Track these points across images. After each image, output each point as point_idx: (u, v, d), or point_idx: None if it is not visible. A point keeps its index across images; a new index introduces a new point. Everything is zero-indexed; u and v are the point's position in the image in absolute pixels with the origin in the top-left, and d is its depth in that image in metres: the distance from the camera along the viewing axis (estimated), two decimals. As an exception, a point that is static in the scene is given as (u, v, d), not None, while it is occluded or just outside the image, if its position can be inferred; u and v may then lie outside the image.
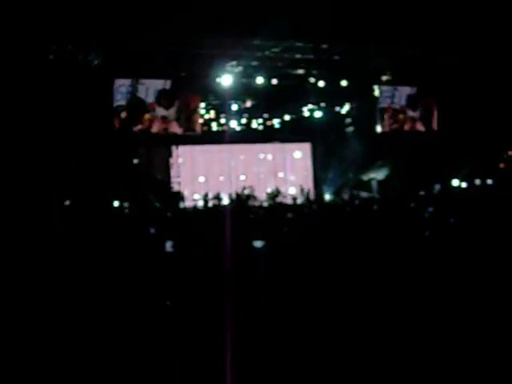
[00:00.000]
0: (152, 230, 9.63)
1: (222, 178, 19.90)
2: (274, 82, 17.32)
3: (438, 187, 16.63)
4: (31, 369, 4.44)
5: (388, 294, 6.05)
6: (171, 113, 16.12)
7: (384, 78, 18.92)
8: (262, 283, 6.15)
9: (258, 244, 7.76)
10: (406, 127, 19.07)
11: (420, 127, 19.35)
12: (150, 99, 15.85)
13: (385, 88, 18.64)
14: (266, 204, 17.17)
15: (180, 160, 19.48)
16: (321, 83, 18.16)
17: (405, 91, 19.03)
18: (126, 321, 5.38)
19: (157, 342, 4.96)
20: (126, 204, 14.93)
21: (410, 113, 19.28)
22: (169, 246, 7.99)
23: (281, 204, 16.85)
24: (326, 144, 20.07)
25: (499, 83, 17.28)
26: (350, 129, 19.87)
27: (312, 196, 17.90)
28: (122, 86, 15.61)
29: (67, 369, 4.47)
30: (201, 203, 17.32)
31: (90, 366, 4.53)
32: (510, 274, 6.20)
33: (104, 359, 4.63)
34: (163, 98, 16.06)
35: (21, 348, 4.73)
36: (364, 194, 17.47)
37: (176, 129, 16.08)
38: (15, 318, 5.31)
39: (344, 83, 18.18)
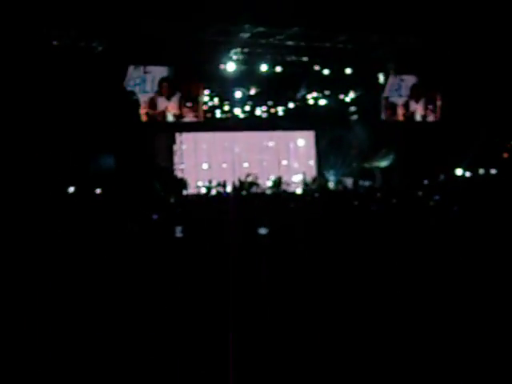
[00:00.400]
0: (155, 216, 9.65)
1: (225, 166, 19.89)
2: (278, 69, 17.28)
3: (442, 176, 16.60)
4: (31, 361, 4.45)
5: (392, 283, 6.06)
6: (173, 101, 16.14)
7: (388, 66, 18.90)
8: (265, 270, 6.16)
9: (263, 231, 7.77)
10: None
11: (423, 117, 19.37)
12: (156, 89, 15.87)
13: (392, 80, 18.63)
14: (269, 191, 17.20)
15: (183, 147, 19.46)
16: (325, 71, 18.11)
17: (410, 81, 19.00)
18: (127, 309, 5.39)
19: (161, 330, 4.97)
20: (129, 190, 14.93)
21: (413, 103, 19.30)
22: (178, 231, 8.00)
23: (284, 192, 16.88)
24: (330, 132, 20.02)
25: (503, 72, 17.22)
26: (354, 117, 19.81)
27: (315, 184, 17.89)
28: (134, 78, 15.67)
29: (70, 353, 4.49)
30: (204, 190, 17.35)
31: (95, 353, 4.55)
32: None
33: (109, 345, 4.65)
34: (164, 87, 16.06)
35: (21, 339, 4.74)
36: (367, 183, 17.46)
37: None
38: (17, 309, 5.33)
39: (348, 71, 18.14)
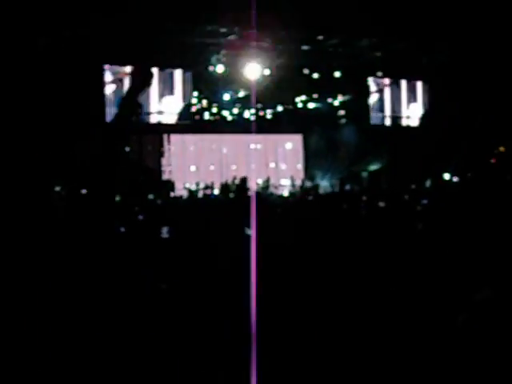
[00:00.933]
0: (140, 217, 9.62)
1: (212, 168, 19.84)
2: (267, 72, 17.29)
3: (428, 181, 16.66)
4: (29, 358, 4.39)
5: (378, 285, 6.04)
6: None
7: (377, 71, 19.00)
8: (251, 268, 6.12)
9: (249, 232, 7.76)
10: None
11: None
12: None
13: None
14: (256, 194, 17.15)
15: (171, 149, 19.38)
16: (314, 75, 18.16)
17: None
18: (117, 307, 5.34)
19: (151, 328, 4.92)
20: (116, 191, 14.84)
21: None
22: (164, 231, 7.98)
23: (272, 194, 16.85)
24: (318, 136, 20.02)
25: (491, 78, 17.31)
26: (343, 121, 19.83)
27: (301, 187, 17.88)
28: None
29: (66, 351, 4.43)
30: (191, 192, 17.27)
31: (91, 354, 4.49)
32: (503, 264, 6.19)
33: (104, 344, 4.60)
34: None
35: (18, 336, 4.69)
36: (355, 187, 17.47)
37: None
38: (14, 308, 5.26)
39: (337, 75, 18.20)
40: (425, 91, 20.23)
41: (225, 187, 16.94)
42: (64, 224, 8.54)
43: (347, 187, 17.42)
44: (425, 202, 11.29)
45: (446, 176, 17.46)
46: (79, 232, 7.87)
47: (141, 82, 16.67)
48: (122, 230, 8.48)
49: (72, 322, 4.97)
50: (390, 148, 18.81)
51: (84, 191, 13.11)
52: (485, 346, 3.92)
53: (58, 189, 13.81)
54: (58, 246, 7.06)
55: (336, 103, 19.69)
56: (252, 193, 16.94)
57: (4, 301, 5.41)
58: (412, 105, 20.23)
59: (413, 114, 20.50)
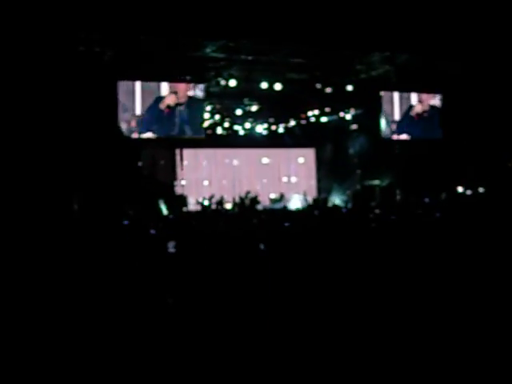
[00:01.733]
0: (152, 231, 9.60)
1: (225, 182, 19.89)
2: (279, 86, 17.31)
3: (444, 195, 16.57)
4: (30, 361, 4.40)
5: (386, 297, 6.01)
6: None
7: (388, 84, 18.96)
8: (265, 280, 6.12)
9: (263, 246, 7.78)
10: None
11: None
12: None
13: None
14: (269, 208, 17.18)
15: (184, 163, 19.46)
16: (326, 89, 18.17)
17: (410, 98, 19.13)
18: (125, 319, 5.34)
19: (156, 341, 4.92)
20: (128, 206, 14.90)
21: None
22: (171, 246, 7.96)
23: (285, 208, 16.84)
24: (331, 150, 20.04)
25: (504, 90, 17.24)
26: (355, 135, 19.81)
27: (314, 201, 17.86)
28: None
29: (68, 366, 4.43)
30: (204, 206, 17.30)
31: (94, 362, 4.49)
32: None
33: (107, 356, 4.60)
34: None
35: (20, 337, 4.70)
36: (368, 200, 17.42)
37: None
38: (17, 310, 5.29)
39: (349, 89, 18.19)
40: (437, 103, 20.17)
41: (239, 202, 16.95)
42: (74, 238, 8.57)
43: (360, 201, 17.38)
44: (438, 215, 11.22)
45: (460, 189, 17.37)
46: (90, 244, 7.90)
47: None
48: (133, 243, 8.48)
49: (77, 331, 4.98)
50: (402, 161, 18.74)
51: (96, 205, 13.17)
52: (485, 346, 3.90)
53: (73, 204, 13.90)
54: (69, 257, 7.09)
55: (348, 117, 19.69)
56: (264, 207, 16.96)
57: (11, 305, 5.44)
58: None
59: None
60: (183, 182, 19.24)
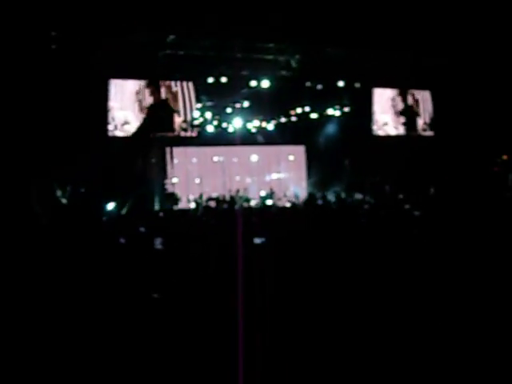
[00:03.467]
0: (142, 229, 9.62)
1: (215, 180, 19.89)
2: (269, 84, 17.32)
3: (431, 189, 16.63)
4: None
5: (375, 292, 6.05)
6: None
7: (378, 81, 19.02)
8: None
9: (258, 240, 7.83)
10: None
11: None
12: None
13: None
14: (259, 205, 17.20)
15: (175, 161, 19.44)
16: (316, 86, 18.21)
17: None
18: (115, 315, 5.36)
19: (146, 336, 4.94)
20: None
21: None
22: (158, 242, 8.00)
23: (274, 205, 16.88)
24: (321, 146, 20.06)
25: (493, 86, 17.31)
26: (345, 131, 19.82)
27: (305, 198, 17.86)
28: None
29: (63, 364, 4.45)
30: (194, 205, 17.32)
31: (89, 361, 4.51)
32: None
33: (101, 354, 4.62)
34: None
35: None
36: (358, 196, 17.44)
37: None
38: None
39: (339, 86, 18.24)
40: (428, 99, 20.25)
41: (230, 199, 16.96)
42: (64, 234, 8.57)
43: (350, 197, 17.42)
44: (424, 210, 11.28)
45: (447, 184, 17.44)
46: (79, 242, 7.91)
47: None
48: (122, 241, 8.50)
49: (69, 325, 5.01)
50: (393, 157, 18.79)
51: (86, 202, 13.14)
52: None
53: (62, 200, 13.84)
54: (58, 254, 7.10)
55: (338, 113, 19.70)
56: (254, 204, 16.99)
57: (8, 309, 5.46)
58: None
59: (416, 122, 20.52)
60: (174, 180, 19.22)
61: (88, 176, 14.13)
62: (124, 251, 7.71)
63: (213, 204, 17.06)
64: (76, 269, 6.47)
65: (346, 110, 19.48)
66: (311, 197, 16.20)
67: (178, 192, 18.59)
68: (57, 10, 12.57)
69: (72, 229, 9.04)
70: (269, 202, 17.75)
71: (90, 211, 11.43)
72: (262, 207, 16.34)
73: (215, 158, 20.06)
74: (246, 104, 18.65)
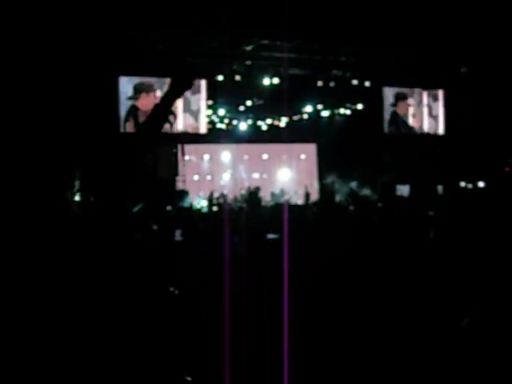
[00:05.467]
0: (154, 227, 9.64)
1: (226, 178, 19.93)
2: (282, 82, 17.33)
3: (441, 188, 16.59)
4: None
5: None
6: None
7: (392, 80, 18.98)
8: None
9: (271, 236, 7.87)
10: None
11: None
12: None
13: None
14: (271, 203, 17.19)
15: (185, 158, 19.49)
16: (328, 84, 18.19)
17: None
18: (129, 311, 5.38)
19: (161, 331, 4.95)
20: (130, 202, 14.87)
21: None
22: (177, 234, 8.03)
23: (286, 203, 16.86)
24: (332, 145, 20.05)
25: (506, 86, 17.25)
26: (357, 130, 19.82)
27: (316, 197, 17.88)
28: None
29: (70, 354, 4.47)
30: (205, 202, 17.34)
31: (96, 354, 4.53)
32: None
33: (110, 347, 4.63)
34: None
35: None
36: (367, 193, 17.41)
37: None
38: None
39: (351, 84, 18.22)
40: (440, 99, 20.19)
41: (241, 197, 16.96)
42: (79, 232, 8.60)
43: (361, 196, 17.38)
44: (437, 209, 11.25)
45: (461, 184, 17.40)
46: (94, 239, 7.93)
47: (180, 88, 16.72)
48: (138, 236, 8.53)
49: (78, 323, 5.03)
50: (404, 156, 18.78)
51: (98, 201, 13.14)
52: (487, 349, 3.94)
53: (75, 198, 13.87)
54: (73, 252, 7.13)
55: (350, 112, 19.70)
56: (267, 202, 16.99)
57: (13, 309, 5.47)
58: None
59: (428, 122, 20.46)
60: (184, 178, 19.27)
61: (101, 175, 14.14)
62: (141, 246, 7.73)
63: (224, 202, 17.09)
64: (94, 263, 6.50)
65: (359, 107, 19.48)
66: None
67: (190, 189, 18.63)
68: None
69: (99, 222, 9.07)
70: (281, 200, 17.75)
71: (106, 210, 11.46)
72: (275, 205, 16.33)
73: (227, 156, 20.10)
74: (257, 102, 18.68)
